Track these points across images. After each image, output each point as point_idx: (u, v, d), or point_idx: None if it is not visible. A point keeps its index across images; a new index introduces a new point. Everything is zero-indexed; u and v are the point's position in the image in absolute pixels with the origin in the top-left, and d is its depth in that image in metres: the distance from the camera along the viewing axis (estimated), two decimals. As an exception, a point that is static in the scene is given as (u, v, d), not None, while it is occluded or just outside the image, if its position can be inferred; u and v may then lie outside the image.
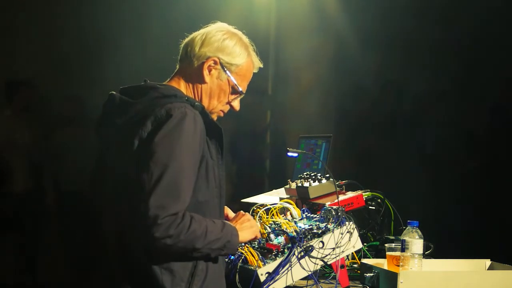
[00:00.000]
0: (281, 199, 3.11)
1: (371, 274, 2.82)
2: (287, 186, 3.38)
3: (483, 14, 5.69)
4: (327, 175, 3.16)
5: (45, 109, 6.42)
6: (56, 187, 6.39)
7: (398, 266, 2.80)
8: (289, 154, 3.63)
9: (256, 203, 2.87)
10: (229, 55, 2.41)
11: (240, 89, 2.45)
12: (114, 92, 2.37)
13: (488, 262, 3.03)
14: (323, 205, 2.95)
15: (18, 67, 6.31)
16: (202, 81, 2.41)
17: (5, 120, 6.24)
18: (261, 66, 2.53)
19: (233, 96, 2.46)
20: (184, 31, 2.54)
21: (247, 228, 2.44)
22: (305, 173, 3.28)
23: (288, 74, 6.49)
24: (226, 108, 2.48)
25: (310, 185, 3.15)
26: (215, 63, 2.40)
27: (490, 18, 5.71)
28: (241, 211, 2.55)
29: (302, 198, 3.21)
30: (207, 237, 2.22)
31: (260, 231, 2.57)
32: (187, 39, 2.46)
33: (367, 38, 6.18)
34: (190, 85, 2.42)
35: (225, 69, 2.41)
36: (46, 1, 6.27)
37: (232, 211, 2.61)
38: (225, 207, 2.51)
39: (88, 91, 5.85)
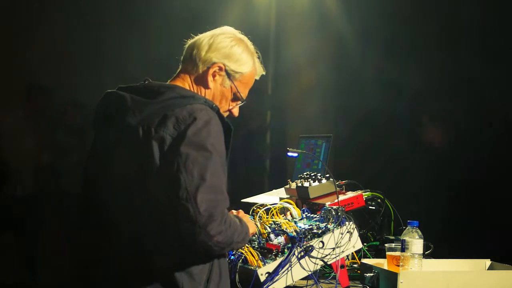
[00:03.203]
0: (281, 199, 3.12)
1: (371, 274, 2.82)
2: (287, 186, 3.38)
3: (483, 11, 5.69)
4: (327, 175, 3.16)
5: (52, 112, 6.41)
6: (59, 188, 6.39)
7: (398, 266, 2.81)
8: (289, 154, 3.64)
9: (256, 203, 2.88)
10: (235, 63, 2.38)
11: (242, 96, 2.44)
12: (111, 91, 2.31)
13: (488, 262, 3.04)
14: (323, 205, 2.96)
15: (29, 71, 6.30)
16: (205, 85, 2.38)
17: (14, 122, 6.25)
18: (264, 73, 2.51)
19: (234, 103, 2.45)
20: (184, 31, 2.53)
21: (249, 222, 2.43)
22: (305, 173, 3.28)
23: (288, 74, 6.49)
24: (226, 114, 2.45)
25: (310, 185, 3.15)
26: (220, 69, 2.38)
27: (491, 16, 5.71)
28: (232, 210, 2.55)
29: (302, 198, 3.21)
30: (236, 230, 2.21)
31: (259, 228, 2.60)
32: (192, 40, 2.43)
33: (367, 38, 6.17)
34: (194, 87, 2.39)
35: (230, 76, 2.39)
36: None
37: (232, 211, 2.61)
38: None
39: (93, 95, 5.82)
